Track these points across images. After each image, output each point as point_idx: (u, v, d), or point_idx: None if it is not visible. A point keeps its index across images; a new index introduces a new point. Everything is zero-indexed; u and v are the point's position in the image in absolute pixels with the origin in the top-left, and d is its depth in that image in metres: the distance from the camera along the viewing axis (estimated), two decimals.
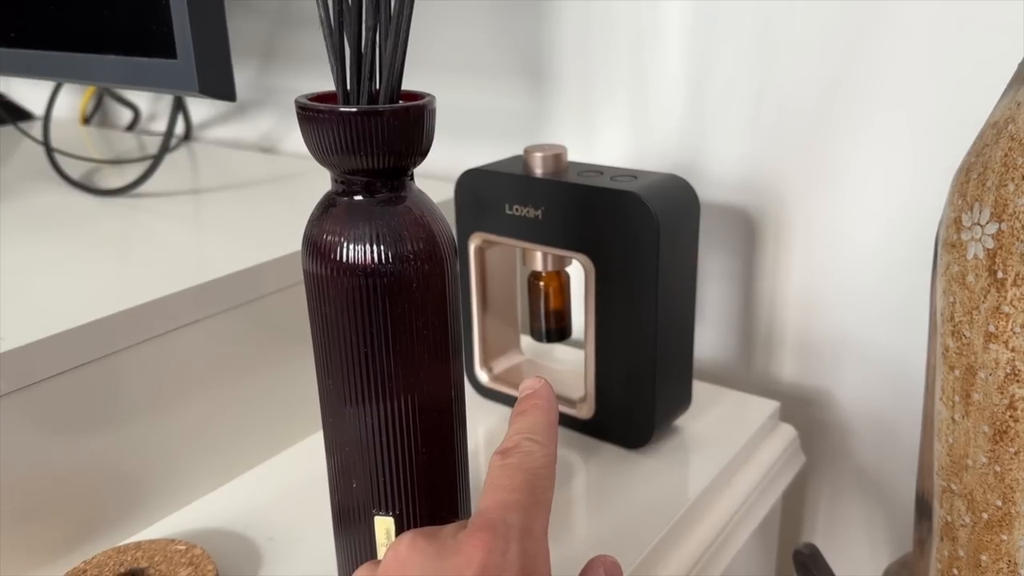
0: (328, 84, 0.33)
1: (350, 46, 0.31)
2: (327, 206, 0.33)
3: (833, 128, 0.55)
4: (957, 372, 0.35)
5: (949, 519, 0.37)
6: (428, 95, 0.33)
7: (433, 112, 0.32)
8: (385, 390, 0.33)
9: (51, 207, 0.65)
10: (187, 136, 0.90)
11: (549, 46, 0.65)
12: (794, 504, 0.65)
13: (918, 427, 0.47)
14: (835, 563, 0.48)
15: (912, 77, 0.51)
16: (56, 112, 0.83)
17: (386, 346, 0.33)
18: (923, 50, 0.50)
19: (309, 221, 0.34)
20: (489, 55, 0.68)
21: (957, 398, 0.35)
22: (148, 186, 0.67)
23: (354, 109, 0.31)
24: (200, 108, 0.91)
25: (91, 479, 0.44)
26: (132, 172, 0.70)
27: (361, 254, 0.32)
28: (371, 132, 0.31)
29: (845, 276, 0.57)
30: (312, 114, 0.31)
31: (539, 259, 0.52)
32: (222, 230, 0.60)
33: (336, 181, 0.33)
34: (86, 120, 1.01)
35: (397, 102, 0.32)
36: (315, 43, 0.79)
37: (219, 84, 0.40)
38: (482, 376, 0.57)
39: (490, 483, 0.29)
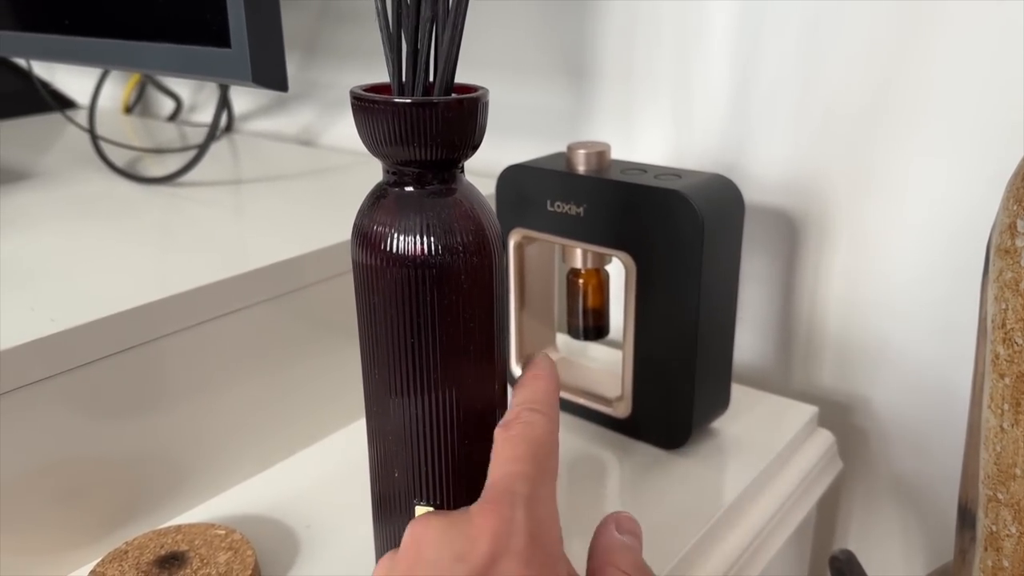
0: (370, 78, 0.34)
1: (406, 38, 0.31)
2: (378, 197, 0.34)
3: (880, 131, 0.54)
4: (1007, 380, 0.35)
5: (994, 529, 0.36)
6: (482, 88, 0.33)
7: (486, 105, 0.33)
8: (430, 381, 0.34)
9: (96, 194, 0.66)
10: (229, 127, 0.91)
11: (593, 44, 0.65)
12: (828, 509, 0.64)
13: (956, 435, 0.46)
14: (867, 570, 0.48)
15: (962, 79, 0.51)
16: (99, 101, 0.84)
17: (433, 338, 0.33)
18: (974, 52, 0.50)
19: (359, 211, 0.34)
20: (533, 52, 0.68)
21: (1006, 406, 0.35)
22: (190, 175, 0.68)
23: (409, 100, 0.31)
24: (242, 100, 0.92)
25: (133, 462, 0.45)
26: (174, 161, 0.70)
27: (411, 245, 0.32)
28: (425, 124, 0.31)
29: (887, 281, 0.57)
30: (367, 104, 0.31)
31: (579, 256, 0.52)
32: (263, 221, 0.61)
33: (387, 172, 0.33)
34: (128, 109, 1.03)
35: (451, 94, 0.32)
36: (357, 38, 0.80)
37: (272, 74, 0.40)
38: (517, 371, 0.57)
39: (495, 456, 0.30)
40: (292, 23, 0.82)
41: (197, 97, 0.99)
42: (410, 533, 0.29)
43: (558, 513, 0.30)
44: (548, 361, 0.34)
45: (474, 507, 0.29)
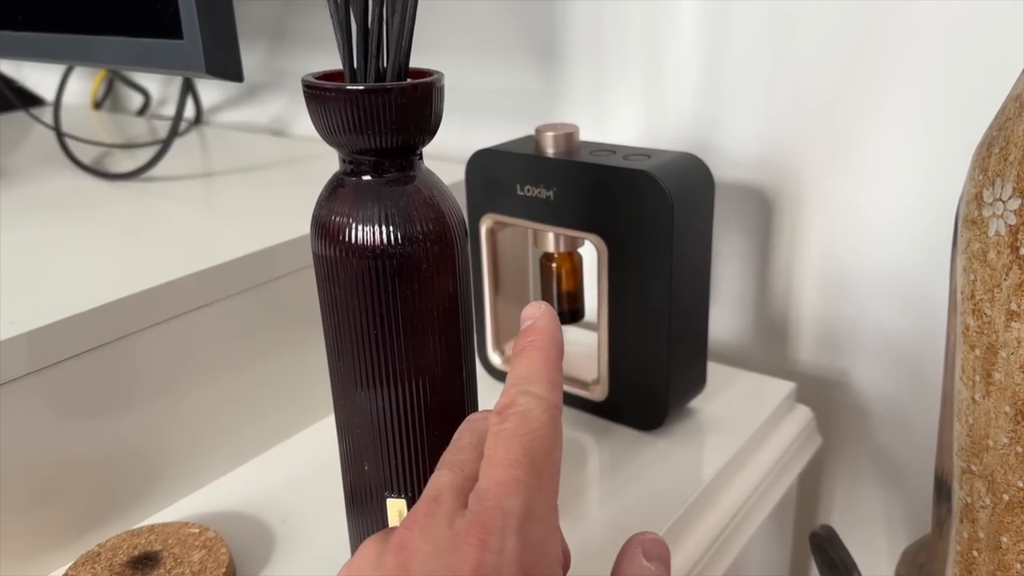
0: (339, 66, 0.33)
1: (356, 22, 0.31)
2: (335, 187, 0.33)
3: (851, 105, 0.54)
4: (978, 351, 0.34)
5: (969, 500, 0.36)
6: (436, 72, 0.32)
7: (442, 89, 0.32)
8: (396, 372, 0.33)
9: (62, 191, 0.64)
10: (198, 120, 0.90)
11: (561, 24, 0.64)
12: (810, 486, 0.64)
13: (936, 408, 0.46)
14: (851, 545, 0.48)
15: (931, 52, 0.50)
16: (67, 97, 0.83)
17: (396, 328, 0.33)
18: (942, 25, 0.49)
19: (317, 202, 0.33)
20: (500, 34, 0.67)
21: (978, 378, 0.35)
22: (159, 170, 0.67)
23: (361, 87, 0.30)
24: (211, 92, 0.91)
25: (104, 462, 0.44)
26: (143, 156, 0.69)
27: (370, 235, 0.32)
28: (379, 110, 0.30)
29: (863, 255, 0.56)
30: (319, 92, 0.31)
31: (551, 240, 0.51)
32: (233, 213, 0.60)
33: (344, 161, 0.33)
34: (97, 105, 1.01)
35: (405, 80, 0.32)
36: (325, 25, 0.78)
37: (226, 64, 0.39)
38: (495, 358, 0.56)
39: (488, 455, 0.26)
40: (260, 11, 0.81)
41: (167, 91, 0.97)
42: (395, 556, 0.25)
43: (559, 528, 0.26)
44: (547, 320, 0.28)
45: (461, 526, 0.25)
